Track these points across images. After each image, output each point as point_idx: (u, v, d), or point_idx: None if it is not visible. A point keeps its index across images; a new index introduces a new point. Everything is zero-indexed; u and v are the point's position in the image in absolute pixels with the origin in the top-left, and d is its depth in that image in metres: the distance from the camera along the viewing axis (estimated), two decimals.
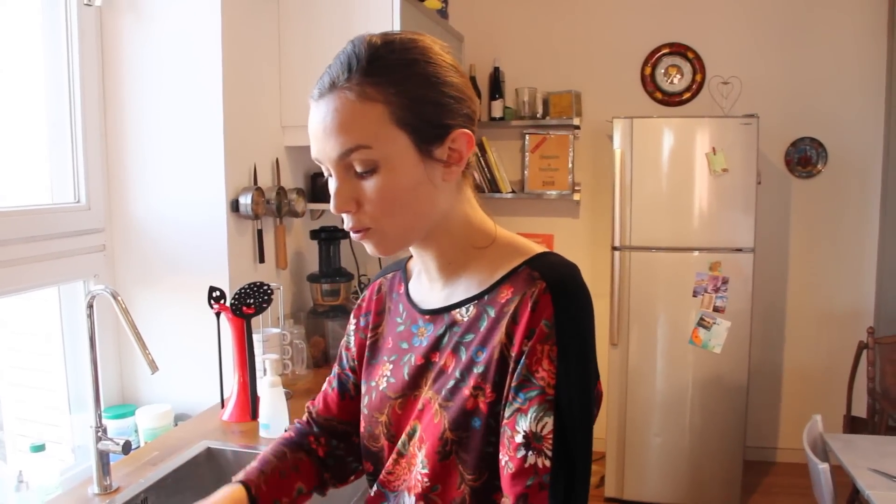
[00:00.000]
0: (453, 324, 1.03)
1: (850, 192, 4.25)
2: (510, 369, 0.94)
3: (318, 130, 0.96)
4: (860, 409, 3.59)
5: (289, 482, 1.17)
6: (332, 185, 0.98)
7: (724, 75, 4.14)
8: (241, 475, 1.14)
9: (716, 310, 3.72)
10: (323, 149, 0.96)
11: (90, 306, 1.71)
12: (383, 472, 1.08)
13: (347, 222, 1.00)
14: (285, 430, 1.31)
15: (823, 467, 2.41)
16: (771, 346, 4.41)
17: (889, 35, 4.05)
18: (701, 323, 3.74)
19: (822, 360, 4.34)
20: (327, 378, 1.28)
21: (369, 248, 1.02)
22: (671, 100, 4.35)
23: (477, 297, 1.02)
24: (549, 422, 0.90)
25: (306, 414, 1.29)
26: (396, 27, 2.59)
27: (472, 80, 4.32)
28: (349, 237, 3.11)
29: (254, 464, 1.17)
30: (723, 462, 3.81)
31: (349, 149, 0.94)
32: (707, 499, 3.84)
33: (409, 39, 0.98)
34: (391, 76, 0.94)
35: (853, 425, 3.58)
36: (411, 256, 1.18)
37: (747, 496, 3.99)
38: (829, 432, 2.77)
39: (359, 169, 0.95)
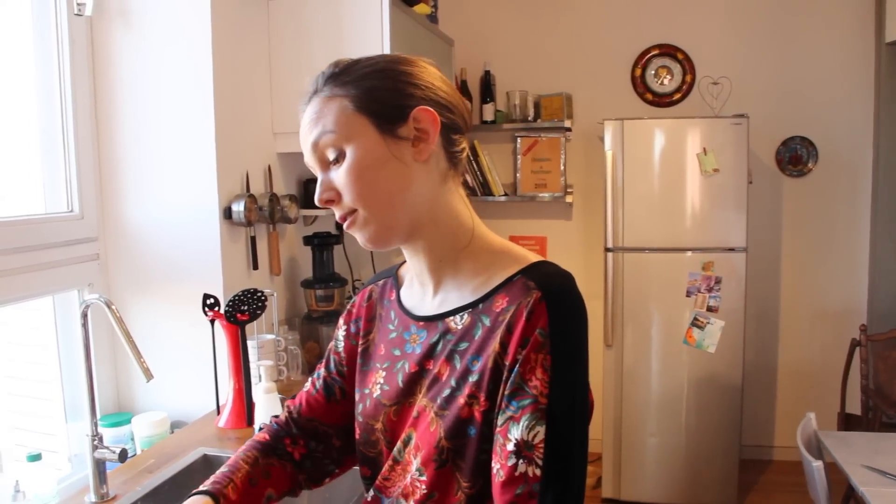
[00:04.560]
0: (447, 331, 1.04)
1: (841, 190, 4.27)
2: (503, 378, 0.94)
3: (301, 134, 1.05)
4: (854, 407, 3.61)
5: (258, 489, 1.16)
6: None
7: (713, 76, 4.16)
8: (209, 483, 1.13)
9: (709, 309, 3.74)
10: (304, 148, 1.05)
11: (84, 315, 1.72)
12: (379, 477, 1.08)
13: (336, 214, 1.05)
14: (259, 429, 1.31)
15: (817, 465, 2.42)
16: (765, 345, 4.42)
17: (877, 33, 4.08)
18: (695, 323, 3.75)
19: (815, 357, 4.36)
20: (310, 379, 1.28)
21: (359, 237, 1.05)
22: (661, 101, 4.37)
23: (471, 306, 1.03)
24: (540, 431, 0.90)
25: (285, 413, 1.28)
26: (386, 33, 2.60)
27: (463, 83, 4.34)
28: (343, 243, 3.12)
29: (224, 470, 1.16)
30: (719, 461, 3.82)
31: (316, 139, 1.02)
32: (704, 498, 3.85)
33: (381, 54, 1.06)
34: (353, 76, 1.02)
35: (848, 422, 3.60)
36: (403, 263, 1.19)
37: (744, 494, 4.01)
38: (824, 430, 2.78)
39: (330, 157, 1.02)
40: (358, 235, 1.05)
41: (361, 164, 1.00)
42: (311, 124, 1.03)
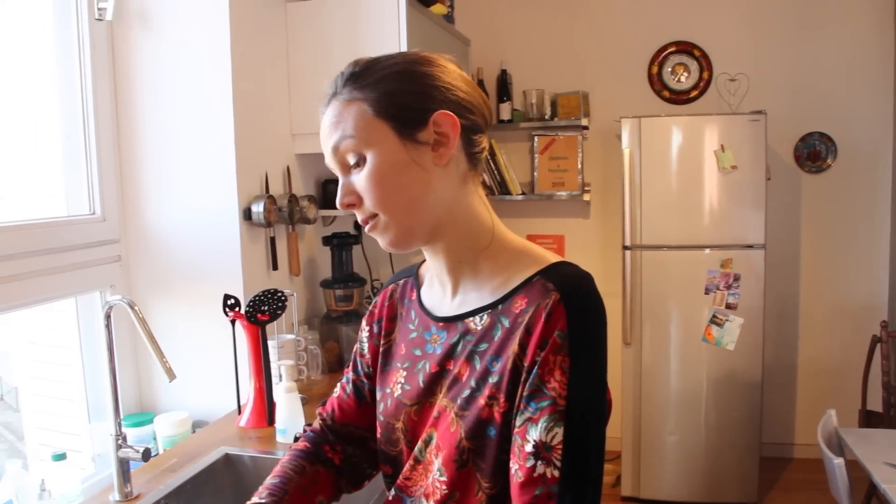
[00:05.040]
0: (467, 332, 1.04)
1: (860, 186, 4.24)
2: (522, 379, 0.94)
3: (322, 136, 1.06)
4: (875, 404, 3.58)
5: (310, 497, 1.18)
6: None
7: (731, 72, 4.14)
8: (264, 494, 1.13)
9: (728, 307, 3.72)
10: (325, 151, 1.05)
11: (108, 316, 1.74)
12: (401, 476, 1.09)
13: (358, 217, 1.06)
14: (296, 439, 1.32)
15: (838, 462, 2.41)
16: (784, 342, 4.40)
17: None
18: (713, 320, 3.74)
19: (836, 354, 4.33)
20: (339, 384, 1.29)
21: (381, 241, 1.06)
22: (679, 98, 4.35)
23: (491, 307, 1.03)
24: (559, 432, 0.90)
25: (319, 421, 1.29)
26: (403, 34, 2.61)
27: (480, 83, 4.34)
28: (361, 243, 3.13)
29: (274, 481, 1.17)
30: (739, 459, 3.81)
31: (336, 143, 1.02)
32: (724, 496, 3.84)
33: (400, 53, 1.05)
34: (371, 78, 1.01)
35: (869, 419, 3.58)
36: (423, 262, 1.20)
37: (764, 492, 3.99)
38: (845, 427, 2.76)
39: (350, 162, 1.02)
40: (379, 239, 1.06)
41: (381, 170, 1.00)
42: (330, 128, 1.03)
